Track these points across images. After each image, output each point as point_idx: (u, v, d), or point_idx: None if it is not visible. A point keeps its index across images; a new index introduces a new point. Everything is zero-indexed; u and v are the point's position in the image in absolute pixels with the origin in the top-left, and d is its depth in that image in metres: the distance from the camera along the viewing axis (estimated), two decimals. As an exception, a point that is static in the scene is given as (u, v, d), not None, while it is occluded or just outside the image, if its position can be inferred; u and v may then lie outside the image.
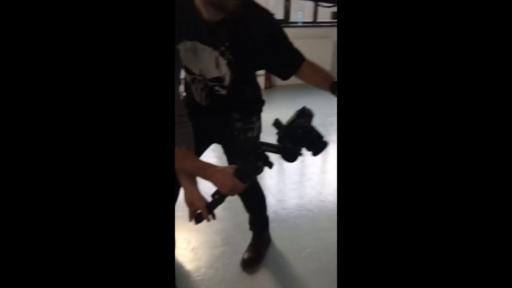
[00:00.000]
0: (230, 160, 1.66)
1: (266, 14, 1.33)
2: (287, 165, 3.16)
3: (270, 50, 1.34)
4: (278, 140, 1.09)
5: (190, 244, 2.11)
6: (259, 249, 2.00)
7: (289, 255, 2.02)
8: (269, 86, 5.26)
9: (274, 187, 2.80)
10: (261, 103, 1.63)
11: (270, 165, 1.15)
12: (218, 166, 1.17)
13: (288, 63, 1.38)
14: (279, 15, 4.98)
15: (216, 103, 1.48)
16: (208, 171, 1.15)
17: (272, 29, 1.33)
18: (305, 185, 2.82)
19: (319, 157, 3.82)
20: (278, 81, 5.30)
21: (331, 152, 3.26)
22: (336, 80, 1.26)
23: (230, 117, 1.53)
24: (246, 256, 1.95)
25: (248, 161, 1.15)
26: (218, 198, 1.22)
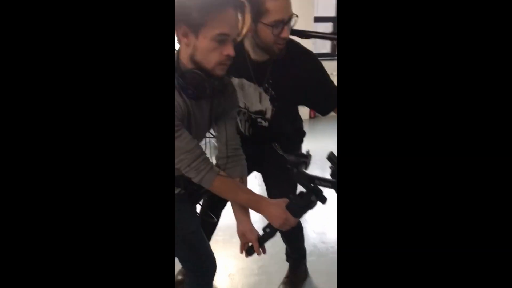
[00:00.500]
0: (268, 188, 1.69)
1: (308, 55, 1.46)
2: (328, 197, 3.02)
3: (310, 88, 1.44)
4: (332, 175, 1.06)
5: (227, 269, 2.11)
6: (295, 282, 1.95)
7: None
8: (314, 116, 5.43)
9: (313, 218, 2.69)
10: (302, 134, 1.71)
11: (323, 200, 1.13)
12: (271, 200, 1.18)
13: (327, 100, 1.45)
14: (326, 48, 5.16)
15: (258, 133, 1.58)
16: (261, 204, 1.16)
17: (313, 69, 1.44)
18: (347, 218, 2.74)
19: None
20: None
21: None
22: None
23: (270, 146, 1.62)
24: None
25: (301, 195, 1.13)
26: (270, 231, 1.21)
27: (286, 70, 1.40)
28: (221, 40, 0.99)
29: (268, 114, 1.50)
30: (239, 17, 1.01)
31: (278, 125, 1.54)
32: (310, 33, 1.42)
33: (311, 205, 1.13)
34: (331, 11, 5.07)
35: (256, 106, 1.50)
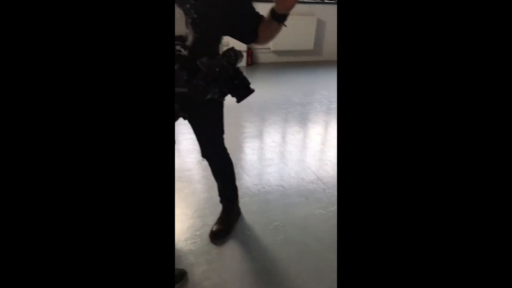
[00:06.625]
0: (194, 128, 1.72)
1: None
2: (263, 143, 3.17)
3: (233, 15, 1.37)
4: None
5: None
6: (228, 222, 2.07)
7: (257, 228, 2.10)
8: (251, 63, 5.23)
9: (248, 163, 2.78)
10: None
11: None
12: None
13: (250, 29, 1.40)
14: None
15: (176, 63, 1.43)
16: None
17: None
18: (278, 162, 2.83)
19: (296, 135, 3.61)
20: (260, 58, 5.40)
21: (310, 131, 3.43)
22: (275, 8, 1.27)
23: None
24: (214, 228, 2.03)
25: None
26: None
27: None
28: None
29: (189, 41, 1.35)
30: None
31: (198, 55, 1.27)
32: None
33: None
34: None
35: (175, 30, 1.34)
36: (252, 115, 3.60)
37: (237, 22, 1.40)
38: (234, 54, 1.04)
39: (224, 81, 1.04)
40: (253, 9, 1.40)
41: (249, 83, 1.07)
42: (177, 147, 2.96)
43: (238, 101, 1.09)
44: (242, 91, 1.06)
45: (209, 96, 1.05)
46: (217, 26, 1.39)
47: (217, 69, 1.01)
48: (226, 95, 1.07)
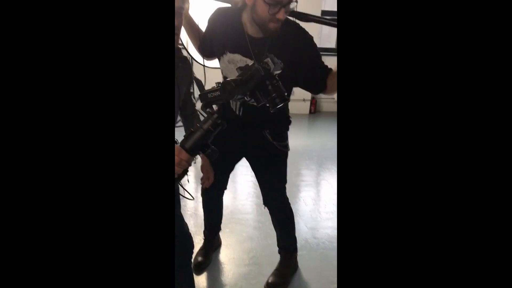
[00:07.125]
0: (258, 177, 1.83)
1: (304, 34, 1.50)
2: (323, 193, 3.07)
3: (304, 68, 1.50)
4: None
5: (219, 259, 2.14)
6: (285, 275, 2.00)
7: (315, 287, 1.98)
8: (314, 111, 5.33)
9: (307, 214, 2.67)
10: (288, 122, 1.76)
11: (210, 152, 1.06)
12: None
13: (319, 80, 1.54)
14: (331, 43, 5.22)
15: (249, 114, 1.62)
16: None
17: (308, 49, 1.51)
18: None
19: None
20: (323, 107, 5.49)
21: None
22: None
23: (260, 133, 1.66)
24: (271, 279, 1.97)
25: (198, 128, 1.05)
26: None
27: (283, 48, 1.42)
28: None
29: None
30: None
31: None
32: (310, 17, 1.35)
33: (207, 135, 1.06)
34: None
35: None
36: (312, 162, 3.56)
37: (308, 75, 1.53)
38: (271, 61, 1.05)
39: (256, 84, 1.05)
40: (322, 63, 1.53)
41: (285, 92, 1.06)
42: (236, 187, 3.00)
43: (271, 109, 1.07)
44: (276, 98, 1.05)
45: (237, 97, 1.06)
46: (289, 79, 1.51)
47: (250, 72, 1.03)
48: (260, 101, 1.07)
